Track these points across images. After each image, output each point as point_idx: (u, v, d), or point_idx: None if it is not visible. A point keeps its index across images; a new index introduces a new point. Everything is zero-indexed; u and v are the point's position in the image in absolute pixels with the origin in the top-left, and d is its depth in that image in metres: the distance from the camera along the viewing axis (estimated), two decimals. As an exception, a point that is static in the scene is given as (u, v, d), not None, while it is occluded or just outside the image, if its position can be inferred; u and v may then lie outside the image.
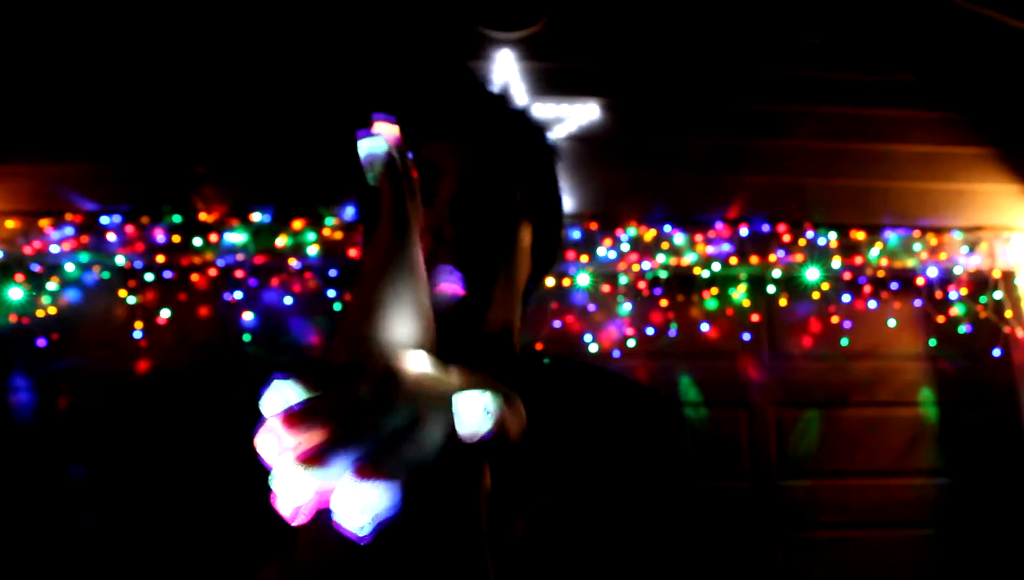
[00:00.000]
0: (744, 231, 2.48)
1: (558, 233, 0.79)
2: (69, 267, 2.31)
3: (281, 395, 0.32)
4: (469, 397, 0.35)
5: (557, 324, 2.46)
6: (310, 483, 0.30)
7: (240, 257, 2.32)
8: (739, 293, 2.51)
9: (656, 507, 0.69)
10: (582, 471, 0.63)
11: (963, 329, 2.50)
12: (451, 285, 0.47)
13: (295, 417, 0.31)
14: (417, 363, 0.38)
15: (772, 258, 2.47)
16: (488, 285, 0.64)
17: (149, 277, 2.36)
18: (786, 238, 2.49)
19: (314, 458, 0.30)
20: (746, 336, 2.52)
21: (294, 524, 0.31)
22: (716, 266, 2.46)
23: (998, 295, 2.51)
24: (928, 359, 2.57)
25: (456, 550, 0.37)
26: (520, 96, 2.57)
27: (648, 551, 0.67)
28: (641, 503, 0.68)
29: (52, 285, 2.32)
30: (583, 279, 2.42)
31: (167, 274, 2.36)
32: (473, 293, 0.61)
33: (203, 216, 2.36)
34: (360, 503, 0.30)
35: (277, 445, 0.31)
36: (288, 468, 0.30)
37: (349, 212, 2.39)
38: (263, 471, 0.49)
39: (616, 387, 0.71)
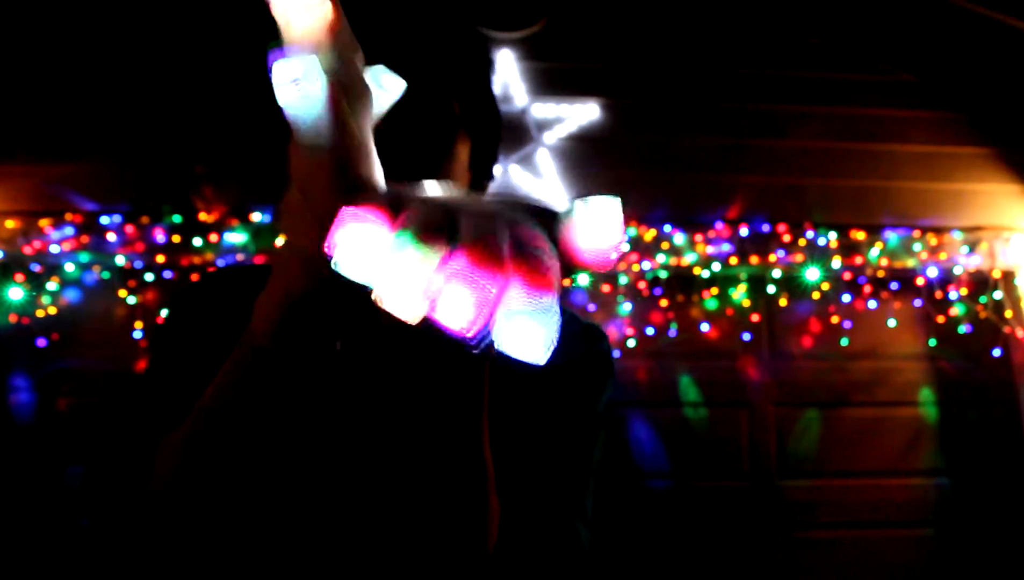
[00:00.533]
0: (744, 231, 2.48)
1: (495, 146, 0.78)
2: (69, 267, 2.31)
3: (358, 232, 0.27)
4: (601, 202, 0.30)
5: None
6: (484, 297, 0.26)
7: (240, 257, 2.32)
8: (739, 293, 2.51)
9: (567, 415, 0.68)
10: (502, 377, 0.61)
11: (963, 329, 2.50)
12: None
13: (432, 227, 0.27)
14: (438, 188, 0.34)
15: (772, 258, 2.47)
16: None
17: (149, 277, 2.36)
18: (786, 238, 2.49)
19: (488, 267, 0.26)
20: (746, 336, 2.52)
21: (469, 337, 0.26)
22: (716, 266, 2.46)
23: (998, 295, 2.51)
24: (928, 359, 2.57)
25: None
26: (520, 96, 2.57)
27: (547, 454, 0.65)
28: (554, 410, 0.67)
29: (52, 285, 2.32)
30: (583, 279, 2.42)
31: (167, 274, 2.36)
32: None
33: (203, 216, 2.36)
34: (540, 322, 0.26)
35: (415, 265, 0.26)
36: (453, 286, 0.26)
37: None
38: (260, 470, 0.50)
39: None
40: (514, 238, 0.28)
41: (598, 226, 0.30)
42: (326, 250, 0.28)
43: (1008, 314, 2.50)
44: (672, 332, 2.48)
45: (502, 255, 0.26)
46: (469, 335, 0.26)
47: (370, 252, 0.27)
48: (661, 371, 2.49)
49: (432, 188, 0.33)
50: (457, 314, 0.26)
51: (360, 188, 0.35)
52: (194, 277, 2.38)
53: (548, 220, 0.31)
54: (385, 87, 0.38)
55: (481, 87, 0.75)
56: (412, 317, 0.26)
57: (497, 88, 0.79)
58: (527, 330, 0.26)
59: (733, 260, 2.46)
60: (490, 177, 0.78)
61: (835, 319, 2.54)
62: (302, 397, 0.44)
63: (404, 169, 0.57)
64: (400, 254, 0.26)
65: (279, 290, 0.41)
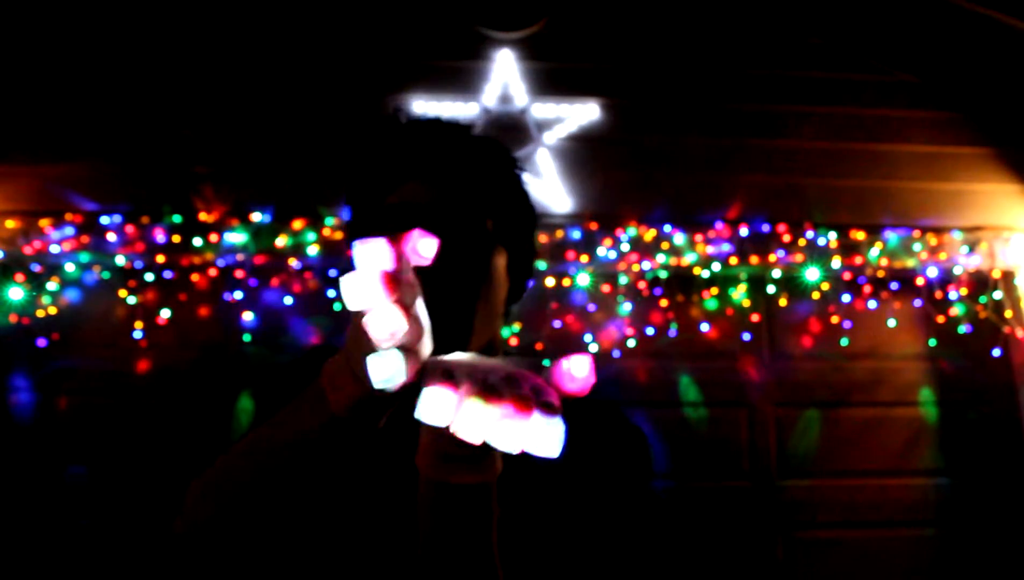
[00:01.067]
0: (744, 231, 2.48)
1: (532, 254, 0.85)
2: (69, 267, 2.31)
3: (438, 400, 0.43)
4: (579, 359, 0.47)
5: (557, 324, 2.46)
6: (509, 425, 0.42)
7: (240, 257, 2.32)
8: (739, 293, 2.51)
9: (617, 521, 0.76)
10: (549, 489, 0.72)
11: (963, 329, 2.50)
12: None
13: (491, 390, 0.43)
14: (464, 356, 0.50)
15: (772, 258, 2.47)
16: (469, 311, 0.70)
17: (149, 277, 2.36)
18: (786, 238, 2.49)
19: (521, 407, 0.42)
20: (746, 336, 2.52)
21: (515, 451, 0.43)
22: (716, 266, 2.46)
23: (998, 295, 2.51)
24: (928, 359, 2.57)
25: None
26: (520, 96, 2.57)
27: (610, 562, 0.74)
28: (604, 516, 0.74)
29: (52, 285, 2.32)
30: (583, 279, 2.42)
31: (167, 274, 2.36)
32: (456, 320, 0.68)
33: (203, 216, 2.36)
34: (552, 431, 0.43)
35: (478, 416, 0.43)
36: (496, 419, 0.42)
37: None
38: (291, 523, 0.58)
39: (589, 410, 0.76)
40: (527, 382, 0.45)
41: (575, 373, 0.47)
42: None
43: (1008, 314, 2.50)
44: (672, 332, 2.48)
45: (530, 402, 0.43)
46: (515, 450, 0.43)
47: (445, 409, 0.43)
48: (661, 371, 2.49)
49: (467, 358, 0.50)
50: (505, 438, 0.43)
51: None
52: (194, 277, 2.38)
53: (544, 370, 0.48)
54: (422, 253, 0.49)
55: (513, 202, 0.80)
56: (478, 439, 0.43)
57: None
58: (546, 433, 0.43)
59: (733, 260, 2.46)
60: (530, 277, 0.86)
61: (835, 319, 2.54)
62: (342, 466, 0.54)
63: (449, 287, 0.68)
64: (471, 410, 0.43)
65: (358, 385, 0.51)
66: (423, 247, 0.49)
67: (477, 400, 0.42)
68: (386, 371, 0.43)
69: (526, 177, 0.84)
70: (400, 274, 0.45)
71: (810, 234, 2.49)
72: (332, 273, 2.39)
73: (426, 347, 0.49)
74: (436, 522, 0.53)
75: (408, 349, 0.45)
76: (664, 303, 2.51)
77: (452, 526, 0.53)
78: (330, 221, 2.35)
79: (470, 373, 0.45)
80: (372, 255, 0.45)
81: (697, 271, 2.47)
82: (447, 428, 0.43)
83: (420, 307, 0.49)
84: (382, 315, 0.43)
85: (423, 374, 0.46)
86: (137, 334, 2.32)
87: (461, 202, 0.72)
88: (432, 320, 0.52)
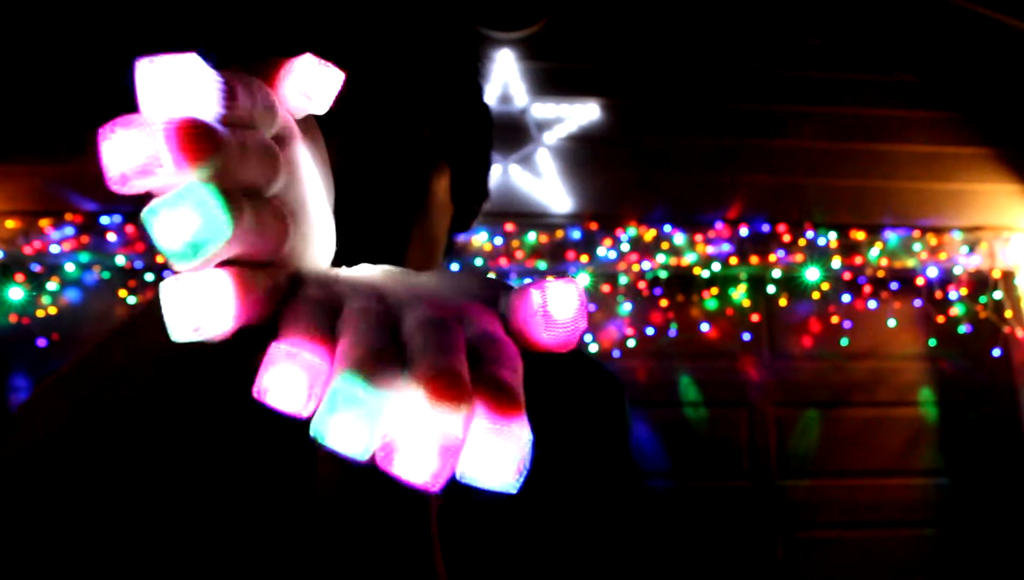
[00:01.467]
0: (744, 231, 2.48)
1: (484, 170, 0.66)
2: (69, 267, 2.31)
3: (292, 373, 0.23)
4: (559, 286, 0.27)
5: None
6: (444, 431, 0.22)
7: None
8: (739, 293, 2.51)
9: (593, 482, 0.62)
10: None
11: (963, 329, 2.50)
12: None
13: (385, 358, 0.23)
14: (371, 270, 0.30)
15: (772, 258, 2.47)
16: (399, 246, 0.54)
17: (149, 277, 2.36)
18: (786, 238, 2.49)
19: (445, 396, 0.22)
20: (746, 336, 2.52)
21: (434, 490, 0.22)
22: (716, 266, 2.46)
23: (998, 295, 2.51)
24: (928, 359, 2.57)
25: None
26: (520, 96, 2.57)
27: (584, 526, 0.59)
28: (578, 478, 0.60)
29: (52, 285, 2.32)
30: (583, 279, 2.42)
31: (167, 274, 2.36)
32: (381, 257, 0.44)
33: (203, 216, 2.36)
34: (509, 448, 0.22)
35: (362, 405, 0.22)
36: (412, 432, 0.22)
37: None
38: (262, 470, 0.47)
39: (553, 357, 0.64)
40: (472, 339, 0.25)
41: (556, 312, 0.27)
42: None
43: (1008, 314, 2.50)
44: (672, 332, 2.48)
45: (464, 384, 0.22)
46: (434, 488, 0.22)
47: (307, 389, 0.23)
48: (661, 371, 2.49)
49: (375, 274, 0.30)
50: (418, 467, 0.22)
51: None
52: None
53: (501, 298, 0.29)
54: (312, 87, 0.29)
55: (457, 100, 0.60)
56: (361, 455, 0.22)
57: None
58: (495, 457, 0.23)
59: (733, 260, 2.46)
60: (480, 204, 0.66)
61: (835, 319, 2.54)
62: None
63: (372, 214, 0.49)
64: (347, 395, 0.22)
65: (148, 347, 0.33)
66: (314, 77, 0.28)
67: (356, 377, 0.22)
68: (190, 315, 0.23)
69: (478, 69, 0.64)
70: (244, 119, 0.26)
71: (810, 234, 2.49)
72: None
73: (307, 257, 0.29)
74: (344, 527, 0.34)
75: (255, 262, 0.26)
76: (664, 303, 2.51)
77: (367, 538, 0.33)
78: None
79: (363, 312, 0.25)
80: (176, 77, 0.25)
81: (697, 271, 2.47)
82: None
83: (301, 188, 0.29)
84: (179, 210, 0.22)
85: (285, 308, 0.26)
86: (137, 334, 2.32)
87: (385, 98, 0.53)
88: (348, 257, 0.36)
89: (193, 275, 0.24)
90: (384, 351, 0.23)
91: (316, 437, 0.22)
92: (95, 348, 0.38)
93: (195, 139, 0.22)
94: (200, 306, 0.24)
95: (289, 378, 0.23)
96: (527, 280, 0.27)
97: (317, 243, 0.30)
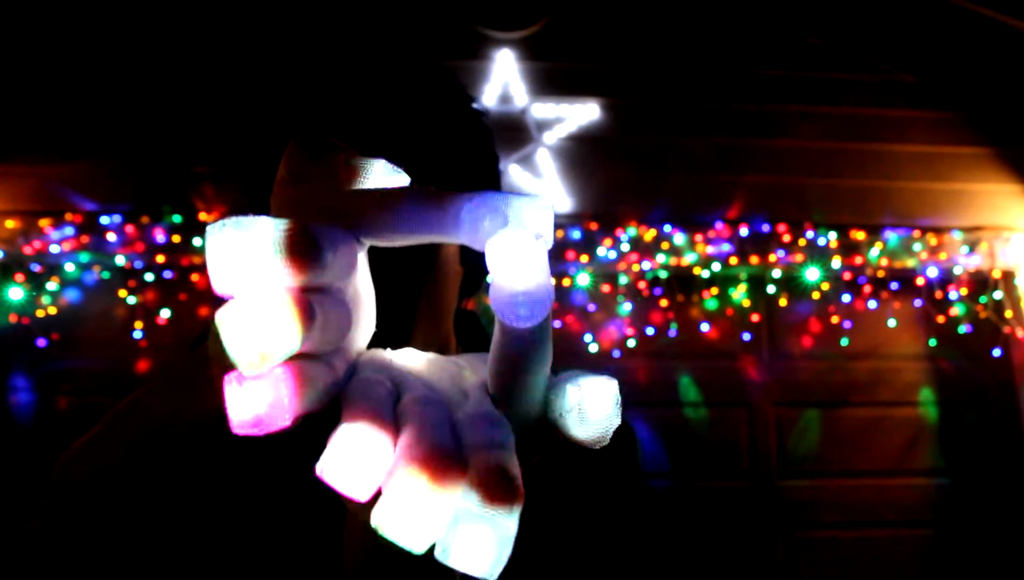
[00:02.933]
0: (744, 231, 2.48)
1: None
2: (69, 267, 2.31)
3: (362, 467, 0.24)
4: (596, 383, 0.27)
5: (557, 324, 2.46)
6: (441, 510, 0.23)
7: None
8: (739, 293, 2.51)
9: (609, 522, 0.64)
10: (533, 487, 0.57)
11: (963, 329, 2.50)
12: None
13: (448, 456, 0.23)
14: (416, 358, 0.31)
15: (772, 258, 2.47)
16: (409, 312, 0.54)
17: (149, 277, 2.36)
18: (786, 238, 2.49)
19: (440, 475, 0.23)
20: (746, 336, 2.52)
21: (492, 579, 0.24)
22: (716, 266, 2.46)
23: (998, 295, 2.51)
24: (928, 359, 2.57)
25: None
26: (520, 96, 2.57)
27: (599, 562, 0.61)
28: (596, 516, 0.62)
29: (52, 285, 2.32)
30: (583, 279, 2.42)
31: (167, 274, 2.36)
32: (391, 323, 0.46)
33: (203, 216, 2.36)
34: (495, 533, 0.23)
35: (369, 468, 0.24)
36: (414, 497, 0.23)
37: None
38: (262, 473, 0.47)
39: None
40: (471, 425, 0.26)
41: (590, 411, 0.27)
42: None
43: (1008, 314, 2.50)
44: (672, 332, 2.48)
45: (517, 486, 0.23)
46: (492, 577, 0.23)
47: (370, 475, 0.24)
48: (661, 371, 2.49)
49: (414, 358, 0.31)
50: (474, 559, 0.23)
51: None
52: (194, 277, 2.38)
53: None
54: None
55: (467, 161, 0.60)
56: (420, 549, 0.23)
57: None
58: (476, 541, 0.23)
59: (733, 260, 2.46)
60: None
61: (835, 319, 2.54)
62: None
63: (381, 279, 0.46)
64: (411, 491, 0.23)
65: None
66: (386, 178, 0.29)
67: (420, 475, 0.23)
68: (252, 414, 0.24)
69: (486, 125, 0.63)
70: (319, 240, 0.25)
71: (810, 234, 2.49)
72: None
73: (359, 342, 0.30)
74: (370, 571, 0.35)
75: (316, 356, 0.26)
76: (664, 303, 2.51)
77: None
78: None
79: (423, 402, 0.27)
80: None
81: (697, 271, 2.47)
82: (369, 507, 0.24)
83: (360, 283, 0.30)
84: (252, 313, 0.23)
85: (346, 389, 0.27)
86: (137, 334, 2.32)
87: (395, 164, 0.54)
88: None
89: (256, 379, 0.24)
90: (447, 449, 0.24)
91: (376, 527, 0.23)
92: (135, 401, 0.40)
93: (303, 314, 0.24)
94: (262, 407, 0.24)
95: (354, 462, 0.24)
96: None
97: (367, 326, 0.31)
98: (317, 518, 0.49)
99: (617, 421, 0.28)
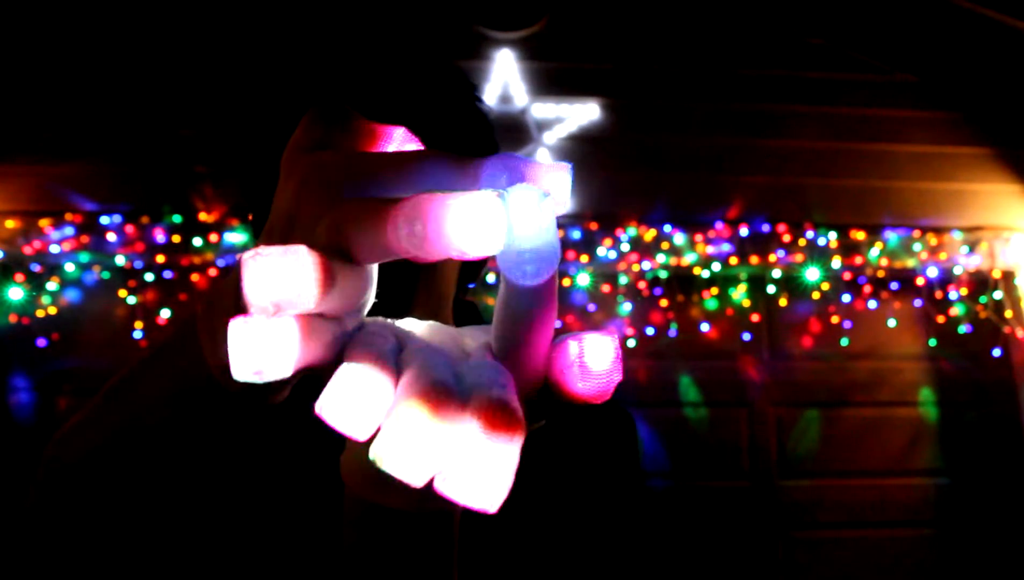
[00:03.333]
0: (744, 231, 2.48)
1: None
2: (69, 267, 2.31)
3: (363, 403, 0.24)
4: (596, 337, 0.28)
5: (557, 324, 2.45)
6: (445, 443, 0.23)
7: (240, 257, 2.32)
8: (739, 293, 2.51)
9: (603, 512, 0.65)
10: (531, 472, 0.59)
11: (963, 329, 2.50)
12: None
13: (447, 394, 0.24)
14: (418, 324, 0.32)
15: (772, 258, 2.47)
16: (407, 295, 0.55)
17: (149, 277, 2.36)
18: (786, 238, 2.49)
19: (441, 409, 0.23)
20: (746, 336, 2.52)
21: (492, 510, 0.24)
22: (716, 266, 2.46)
23: (998, 295, 2.51)
24: (928, 359, 2.57)
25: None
26: (520, 96, 2.57)
27: (592, 553, 0.62)
28: (589, 507, 0.63)
29: (52, 285, 2.32)
30: (583, 279, 2.42)
31: (167, 274, 2.36)
32: (392, 304, 0.47)
33: (203, 216, 2.36)
34: (496, 465, 0.23)
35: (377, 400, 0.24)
36: (419, 428, 0.23)
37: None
38: (263, 471, 0.47)
39: None
40: (472, 371, 0.26)
41: (594, 362, 0.28)
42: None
43: (1008, 314, 2.50)
44: (672, 332, 2.48)
45: (518, 417, 0.24)
46: (492, 509, 0.23)
47: (370, 413, 0.24)
48: (661, 371, 2.49)
49: (422, 327, 0.31)
50: (475, 492, 0.23)
51: None
52: (194, 277, 2.38)
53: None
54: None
55: (470, 145, 0.60)
56: (418, 481, 0.23)
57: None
58: (476, 470, 0.23)
59: (733, 260, 2.46)
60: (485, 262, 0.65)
61: (835, 319, 2.54)
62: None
63: (383, 269, 0.49)
64: (410, 423, 0.23)
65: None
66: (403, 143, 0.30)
67: (420, 407, 0.23)
68: (254, 358, 0.24)
69: (487, 109, 0.65)
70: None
71: (810, 234, 2.49)
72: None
73: (364, 308, 0.30)
74: (366, 551, 0.35)
75: (324, 316, 0.26)
76: (664, 303, 2.51)
77: (389, 559, 0.35)
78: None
79: (425, 350, 0.27)
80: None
81: (697, 271, 2.47)
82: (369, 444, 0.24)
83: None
84: (278, 263, 0.23)
85: (350, 342, 0.27)
86: (137, 334, 2.32)
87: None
88: None
89: (263, 320, 0.24)
90: (447, 384, 0.24)
91: (375, 461, 0.23)
92: (131, 372, 0.40)
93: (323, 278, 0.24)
94: (265, 351, 0.24)
95: (353, 400, 0.24)
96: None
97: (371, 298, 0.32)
98: (315, 493, 0.49)
99: (618, 376, 0.28)
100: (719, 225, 2.49)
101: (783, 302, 2.54)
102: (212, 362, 0.33)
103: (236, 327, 0.24)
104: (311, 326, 0.25)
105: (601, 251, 2.42)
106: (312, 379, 0.28)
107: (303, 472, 0.53)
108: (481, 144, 0.63)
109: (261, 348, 0.24)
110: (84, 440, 0.42)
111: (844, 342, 2.53)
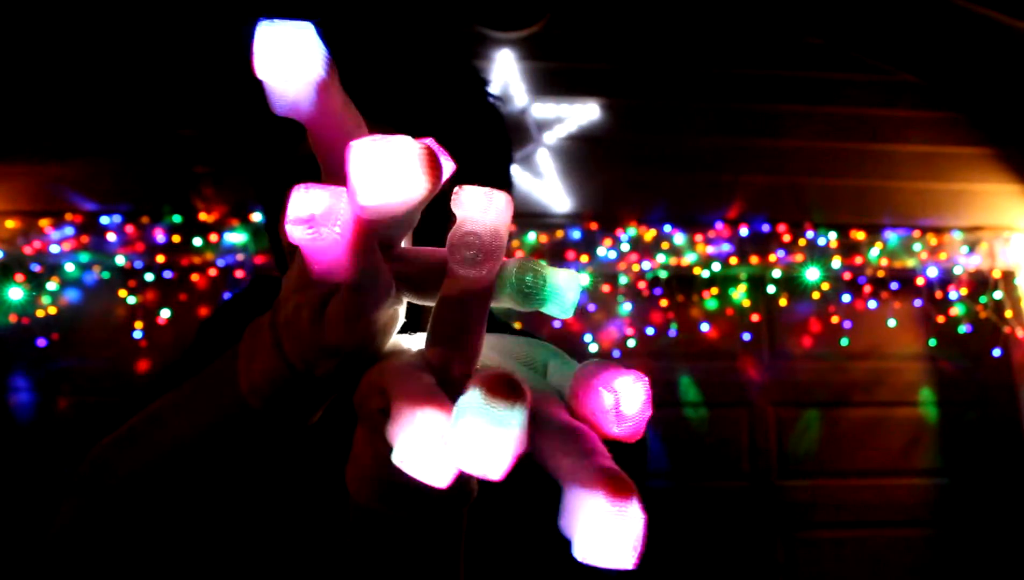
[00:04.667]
0: (744, 231, 2.48)
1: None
2: (69, 267, 2.31)
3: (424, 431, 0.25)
4: (628, 384, 0.30)
5: (557, 324, 2.46)
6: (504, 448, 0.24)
7: (240, 257, 2.32)
8: (739, 293, 2.51)
9: None
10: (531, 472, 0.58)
11: (963, 329, 2.50)
12: None
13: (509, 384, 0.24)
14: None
15: (772, 258, 2.47)
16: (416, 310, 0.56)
17: (149, 277, 2.36)
18: (786, 238, 2.49)
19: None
20: (746, 336, 2.52)
21: (439, 485, 0.25)
22: (716, 266, 2.46)
23: (998, 295, 2.51)
24: (928, 359, 2.57)
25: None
26: (520, 96, 2.57)
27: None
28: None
29: (52, 285, 2.32)
30: (583, 279, 2.42)
31: (167, 274, 2.36)
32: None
33: (203, 216, 2.36)
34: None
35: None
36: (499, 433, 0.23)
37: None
38: (262, 471, 0.48)
39: None
40: (550, 427, 0.29)
41: (629, 408, 0.28)
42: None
43: (1008, 314, 2.50)
44: (672, 332, 2.48)
45: (521, 388, 0.25)
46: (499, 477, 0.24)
47: (430, 445, 0.25)
48: (661, 371, 2.49)
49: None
50: (486, 463, 0.24)
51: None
52: (194, 277, 2.38)
53: (550, 365, 0.33)
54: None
55: (481, 142, 0.61)
56: (442, 482, 0.25)
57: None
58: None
59: (733, 260, 2.46)
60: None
61: (835, 319, 2.54)
62: (266, 460, 0.40)
63: None
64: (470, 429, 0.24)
65: (263, 371, 0.36)
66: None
67: (436, 415, 0.24)
68: (307, 209, 0.25)
69: (497, 104, 0.64)
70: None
71: (810, 234, 2.49)
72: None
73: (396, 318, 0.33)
74: (372, 560, 0.36)
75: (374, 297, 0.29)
76: (664, 303, 2.51)
77: (395, 567, 0.36)
78: (330, 221, 2.35)
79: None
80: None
81: (697, 271, 2.47)
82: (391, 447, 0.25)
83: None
84: (394, 151, 0.24)
85: (397, 373, 0.29)
86: (137, 334, 2.32)
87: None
88: None
89: (386, 139, 0.25)
90: (511, 389, 0.25)
91: (399, 464, 0.25)
92: (175, 397, 0.43)
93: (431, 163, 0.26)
94: (319, 207, 0.25)
95: (430, 451, 0.25)
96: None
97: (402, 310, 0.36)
98: (321, 504, 0.51)
99: (649, 412, 0.29)
100: (719, 225, 2.49)
101: (783, 302, 2.54)
102: (244, 382, 0.36)
103: (298, 191, 0.25)
104: (368, 235, 0.28)
105: (601, 251, 2.42)
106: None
107: (309, 483, 0.54)
108: (493, 139, 0.65)
109: (316, 205, 0.25)
110: (126, 462, 0.45)
111: (844, 342, 2.53)
